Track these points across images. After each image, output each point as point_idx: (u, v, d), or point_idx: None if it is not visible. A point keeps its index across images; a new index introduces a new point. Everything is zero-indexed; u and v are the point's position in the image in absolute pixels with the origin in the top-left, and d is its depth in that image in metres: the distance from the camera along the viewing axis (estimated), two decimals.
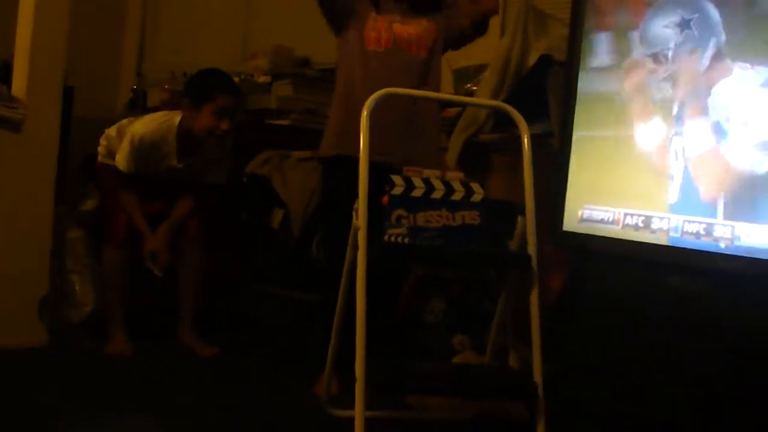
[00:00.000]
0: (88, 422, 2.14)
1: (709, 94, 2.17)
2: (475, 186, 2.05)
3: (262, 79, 3.93)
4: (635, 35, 2.36)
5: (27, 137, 2.82)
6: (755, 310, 2.07)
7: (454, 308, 3.01)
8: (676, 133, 2.24)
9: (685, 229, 2.19)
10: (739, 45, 2.13)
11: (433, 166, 2.17)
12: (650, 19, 2.34)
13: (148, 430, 2.14)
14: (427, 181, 2.01)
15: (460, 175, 2.08)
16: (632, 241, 2.29)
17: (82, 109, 4.12)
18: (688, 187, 2.20)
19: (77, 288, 2.98)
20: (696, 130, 2.20)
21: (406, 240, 1.98)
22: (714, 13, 2.18)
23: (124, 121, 3.04)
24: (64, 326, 2.92)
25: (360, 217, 1.93)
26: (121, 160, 2.85)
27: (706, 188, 2.17)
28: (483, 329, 2.73)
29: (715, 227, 2.12)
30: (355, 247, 1.95)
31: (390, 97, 2.07)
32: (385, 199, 1.99)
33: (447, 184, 2.02)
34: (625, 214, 2.33)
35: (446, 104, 3.06)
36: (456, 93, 3.27)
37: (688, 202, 2.19)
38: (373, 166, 1.96)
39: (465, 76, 3.34)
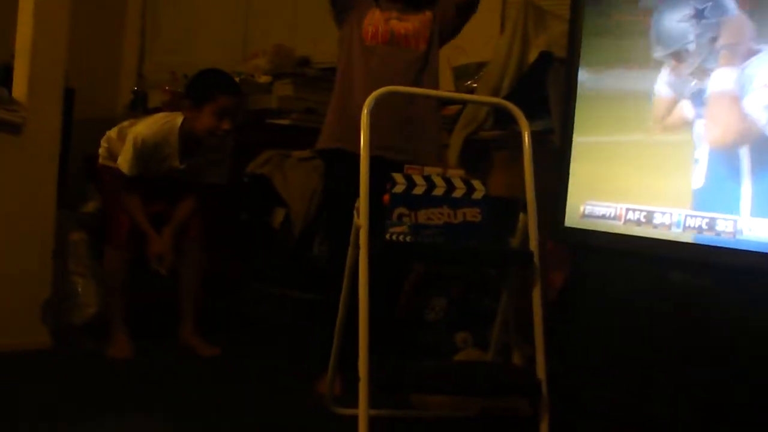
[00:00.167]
0: (89, 422, 2.14)
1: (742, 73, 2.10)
2: (477, 183, 2.05)
3: (263, 78, 3.93)
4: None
5: (28, 140, 2.82)
6: (760, 306, 2.06)
7: (455, 306, 3.01)
8: (697, 116, 2.19)
9: (687, 224, 2.18)
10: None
11: (434, 163, 2.17)
12: (660, 17, 2.30)
13: (149, 430, 2.14)
14: (428, 179, 2.01)
15: (461, 172, 2.08)
16: (635, 236, 2.28)
17: (83, 111, 4.13)
18: (714, 168, 2.14)
19: (80, 290, 2.98)
20: (722, 108, 2.14)
21: (408, 238, 1.98)
22: None
23: (125, 123, 3.03)
24: (67, 328, 2.92)
25: (361, 216, 1.92)
26: (123, 163, 2.84)
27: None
28: (484, 326, 2.74)
29: (718, 221, 2.11)
30: (357, 246, 1.95)
31: (389, 95, 2.07)
32: (386, 197, 1.99)
33: (448, 182, 2.03)
34: (627, 210, 2.32)
35: (446, 102, 3.06)
36: (456, 90, 3.27)
37: (715, 186, 2.14)
38: (372, 161, 1.96)
39: (465, 74, 3.34)
